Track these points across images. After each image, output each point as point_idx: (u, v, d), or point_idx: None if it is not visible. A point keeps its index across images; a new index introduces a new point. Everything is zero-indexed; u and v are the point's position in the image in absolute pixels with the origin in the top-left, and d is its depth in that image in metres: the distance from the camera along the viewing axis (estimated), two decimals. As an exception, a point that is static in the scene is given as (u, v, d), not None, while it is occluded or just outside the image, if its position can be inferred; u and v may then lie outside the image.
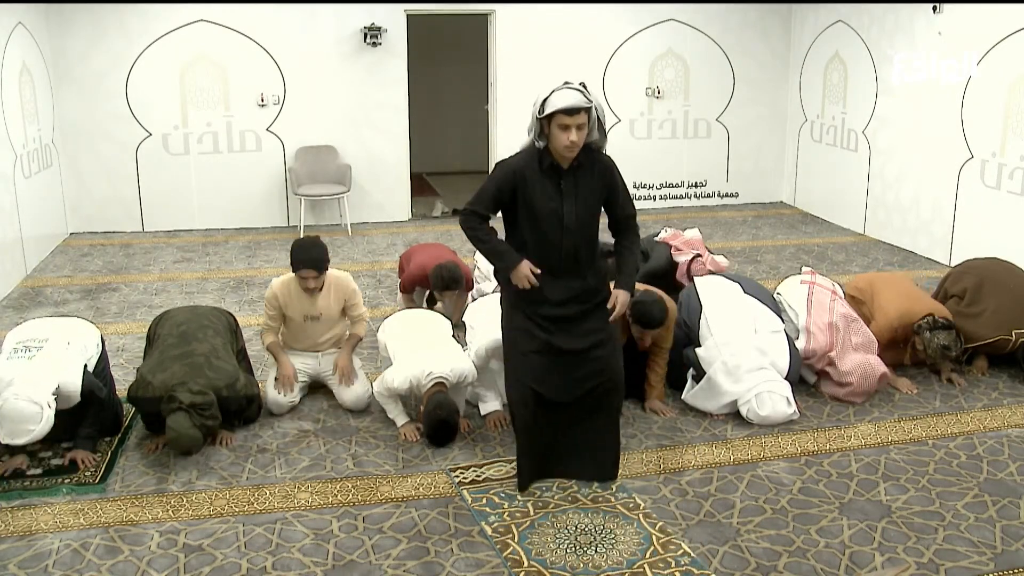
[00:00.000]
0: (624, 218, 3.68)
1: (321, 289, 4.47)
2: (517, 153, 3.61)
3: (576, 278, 3.60)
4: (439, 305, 5.44)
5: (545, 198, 3.52)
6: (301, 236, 4.36)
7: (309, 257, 4.36)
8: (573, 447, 3.75)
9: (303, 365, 4.61)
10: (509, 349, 3.72)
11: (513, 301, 3.65)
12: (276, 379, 4.47)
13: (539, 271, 3.53)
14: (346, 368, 4.51)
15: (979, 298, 5.03)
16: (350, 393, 4.49)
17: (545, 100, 3.41)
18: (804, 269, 5.19)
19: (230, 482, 3.80)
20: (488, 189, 3.57)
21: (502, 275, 3.65)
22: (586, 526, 3.42)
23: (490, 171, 3.68)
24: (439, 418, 3.96)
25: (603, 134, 3.54)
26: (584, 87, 3.46)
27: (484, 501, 3.61)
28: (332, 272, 4.53)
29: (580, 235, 3.55)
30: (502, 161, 3.63)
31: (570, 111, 3.37)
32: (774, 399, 4.32)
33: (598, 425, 3.73)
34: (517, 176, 3.52)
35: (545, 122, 3.43)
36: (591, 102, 3.43)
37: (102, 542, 3.34)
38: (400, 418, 4.27)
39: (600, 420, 3.73)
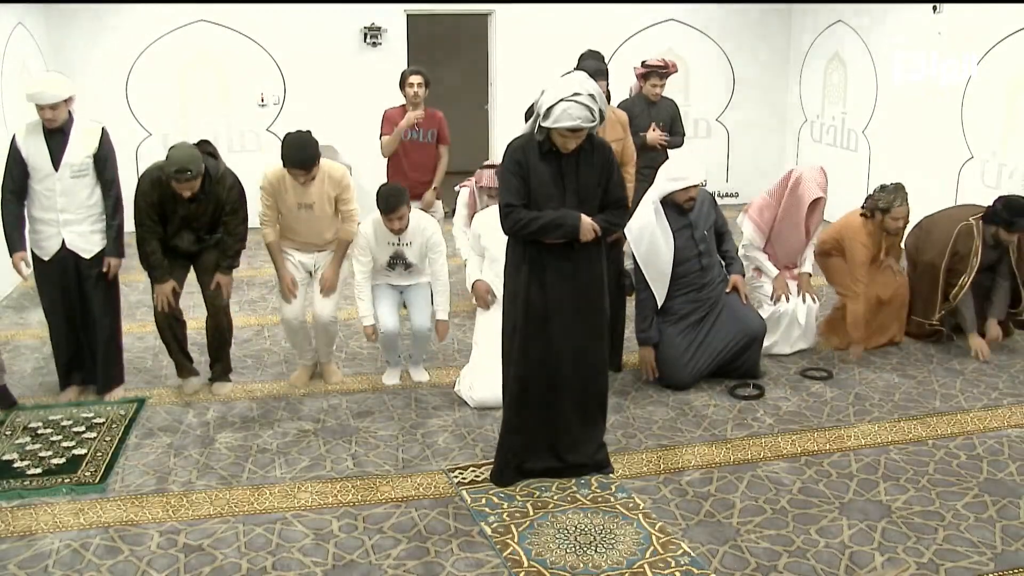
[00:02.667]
0: (614, 202, 3.67)
1: (314, 180, 4.56)
2: (521, 135, 3.62)
3: (578, 261, 3.59)
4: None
5: (546, 179, 3.53)
6: (291, 132, 4.51)
7: (298, 158, 4.42)
8: (561, 434, 3.75)
9: (302, 259, 4.78)
10: (512, 325, 3.69)
11: (518, 288, 3.64)
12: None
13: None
14: (330, 280, 4.73)
15: (927, 234, 5.38)
16: (322, 306, 4.74)
17: (550, 108, 3.36)
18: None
19: (230, 482, 3.80)
20: (510, 179, 3.57)
21: (568, 233, 3.54)
22: (586, 526, 3.42)
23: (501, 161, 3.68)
24: (391, 187, 4.68)
25: (602, 121, 3.53)
26: (593, 97, 3.39)
27: (484, 501, 3.61)
28: (326, 163, 4.62)
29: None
30: (510, 144, 3.63)
31: (573, 129, 3.39)
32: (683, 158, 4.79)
33: (583, 410, 3.75)
34: (521, 153, 3.55)
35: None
36: (594, 120, 3.41)
37: (102, 542, 3.34)
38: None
39: (584, 405, 3.75)
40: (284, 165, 4.49)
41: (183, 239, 4.57)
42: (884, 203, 5.11)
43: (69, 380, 4.70)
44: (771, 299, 5.21)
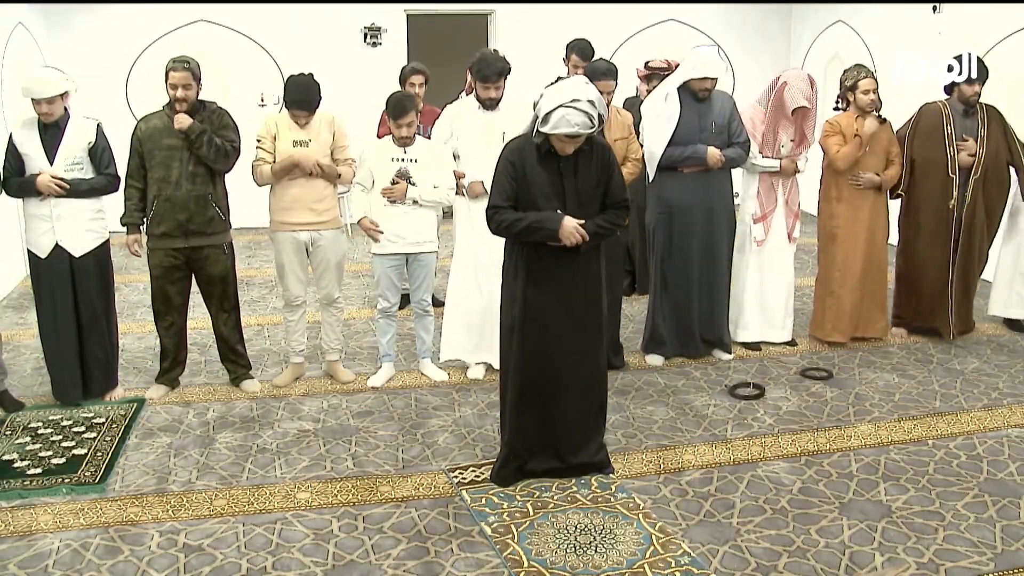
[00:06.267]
0: (616, 202, 3.67)
1: (311, 122, 4.66)
2: (519, 135, 3.63)
3: (575, 262, 3.59)
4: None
5: (544, 181, 3.53)
6: (295, 74, 4.68)
7: (302, 99, 4.55)
8: (561, 434, 3.75)
9: (299, 236, 4.69)
10: (511, 326, 3.69)
11: (516, 289, 3.65)
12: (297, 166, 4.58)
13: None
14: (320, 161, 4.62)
15: None
16: (325, 286, 4.85)
17: (548, 113, 3.36)
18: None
19: (230, 482, 3.80)
20: (501, 180, 3.57)
21: (546, 236, 3.54)
22: (586, 526, 3.42)
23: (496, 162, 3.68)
24: (401, 93, 4.77)
25: (601, 125, 3.53)
26: (593, 103, 3.38)
27: (484, 501, 3.61)
28: (323, 110, 4.70)
29: (580, 216, 3.55)
30: (507, 144, 3.65)
31: (571, 136, 3.39)
32: (708, 52, 5.03)
33: (583, 411, 3.75)
34: (517, 156, 3.56)
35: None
36: (593, 126, 3.40)
37: (102, 542, 3.34)
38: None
39: (584, 406, 3.74)
40: (287, 105, 4.60)
41: (180, 187, 4.44)
42: (850, 79, 5.30)
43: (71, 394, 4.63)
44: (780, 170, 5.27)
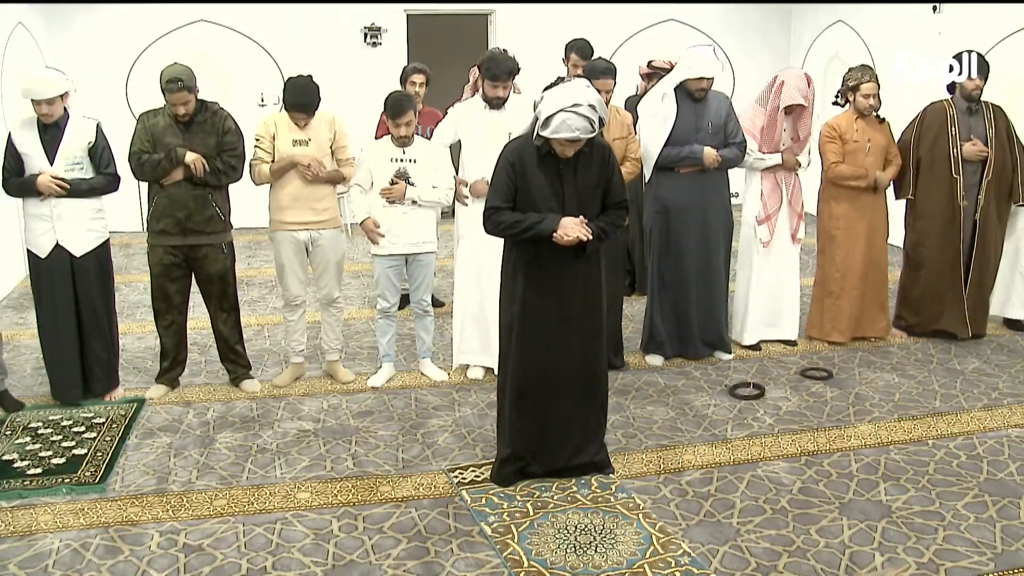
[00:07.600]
0: (616, 203, 3.68)
1: (311, 123, 4.67)
2: (519, 136, 3.63)
3: (575, 261, 3.58)
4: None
5: (544, 182, 3.53)
6: (295, 76, 4.70)
7: (301, 101, 4.56)
8: (562, 435, 3.74)
9: (298, 236, 4.69)
10: (509, 326, 3.69)
11: (515, 289, 3.64)
12: (300, 166, 4.58)
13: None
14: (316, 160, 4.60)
15: None
16: (325, 286, 4.84)
17: (549, 117, 3.35)
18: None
19: (230, 482, 3.80)
20: (500, 180, 3.58)
21: (542, 232, 3.52)
22: (586, 526, 3.42)
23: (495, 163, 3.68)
24: (399, 92, 4.76)
25: (601, 126, 3.53)
26: (594, 107, 3.37)
27: (484, 501, 3.61)
28: (323, 110, 4.70)
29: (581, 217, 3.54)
30: (507, 144, 3.65)
31: (572, 140, 3.39)
32: (704, 52, 5.05)
33: (583, 412, 3.74)
34: (516, 156, 3.55)
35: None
36: (594, 130, 3.40)
37: (102, 542, 3.34)
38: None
39: (585, 406, 3.74)
40: (286, 108, 4.60)
41: (180, 184, 4.45)
42: (853, 80, 5.31)
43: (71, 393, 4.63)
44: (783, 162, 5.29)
